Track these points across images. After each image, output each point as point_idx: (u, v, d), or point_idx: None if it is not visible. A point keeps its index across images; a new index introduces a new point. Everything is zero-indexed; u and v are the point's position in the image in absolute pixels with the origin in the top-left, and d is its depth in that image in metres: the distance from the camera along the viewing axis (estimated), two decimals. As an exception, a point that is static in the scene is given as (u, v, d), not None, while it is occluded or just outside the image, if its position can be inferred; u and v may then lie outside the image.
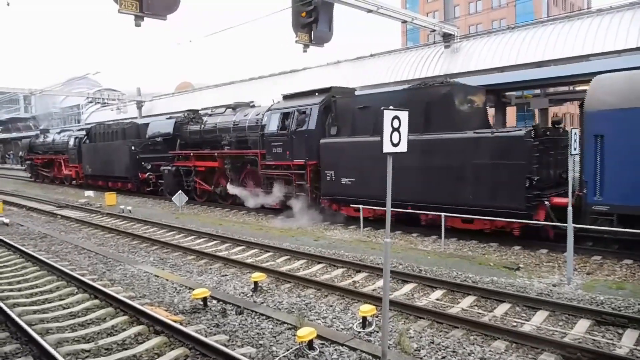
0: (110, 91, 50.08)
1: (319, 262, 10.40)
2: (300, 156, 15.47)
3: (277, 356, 5.84)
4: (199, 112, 22.97)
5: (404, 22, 18.20)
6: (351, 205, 14.28)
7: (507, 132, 11.54)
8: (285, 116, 16.02)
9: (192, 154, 20.94)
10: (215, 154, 19.48)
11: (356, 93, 16.22)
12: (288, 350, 5.97)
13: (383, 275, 5.27)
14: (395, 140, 5.04)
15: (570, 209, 8.52)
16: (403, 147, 5.16)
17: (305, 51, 14.12)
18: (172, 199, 18.70)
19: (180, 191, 18.75)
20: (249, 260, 10.76)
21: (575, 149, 8.36)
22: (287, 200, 16.21)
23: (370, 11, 15.96)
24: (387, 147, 5.01)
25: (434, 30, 20.31)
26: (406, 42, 53.77)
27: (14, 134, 65.51)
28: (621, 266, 9.55)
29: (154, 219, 16.48)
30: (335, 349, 5.99)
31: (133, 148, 24.60)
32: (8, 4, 19.44)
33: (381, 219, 12.99)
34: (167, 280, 9.42)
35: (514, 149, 10.79)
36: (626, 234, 9.60)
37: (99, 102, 45.48)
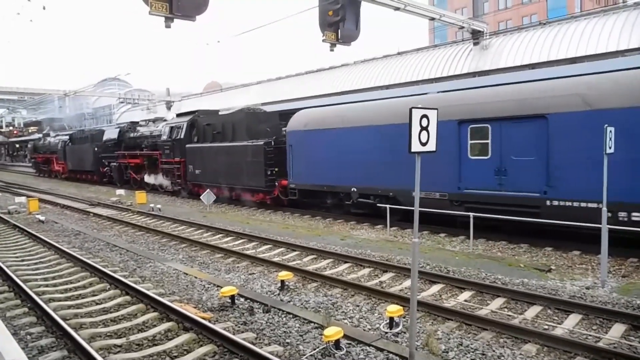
0: (140, 91, 51.13)
1: (346, 262, 10.39)
2: (177, 156, 23.20)
3: (304, 355, 5.85)
4: (137, 123, 31.00)
5: (432, 19, 17.91)
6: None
7: (257, 142, 18.35)
8: (171, 129, 23.94)
9: (126, 154, 28.72)
10: (138, 154, 27.45)
11: (221, 113, 23.63)
12: (315, 349, 5.98)
13: (411, 276, 5.22)
14: (424, 139, 4.89)
15: (604, 209, 8.27)
16: (432, 146, 5.00)
17: (332, 50, 14.06)
18: (201, 197, 19.03)
19: (208, 190, 19.11)
20: (275, 259, 10.83)
21: (610, 147, 8.10)
22: (175, 185, 24.07)
23: (397, 9, 15.78)
24: (416, 147, 4.86)
25: (463, 27, 19.98)
26: (434, 39, 53.06)
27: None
28: (659, 269, 9.21)
29: (183, 217, 16.76)
30: (362, 349, 5.96)
31: (96, 149, 32.66)
32: (44, 8, 20.08)
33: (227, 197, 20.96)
34: (196, 277, 9.56)
35: (258, 152, 18.06)
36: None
37: (129, 103, 46.48)
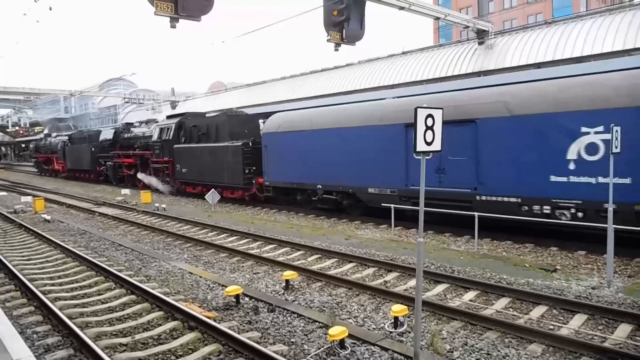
0: (145, 91, 51.29)
1: (350, 261, 10.38)
2: (166, 155, 24.68)
3: (309, 354, 5.86)
4: (131, 124, 32.25)
5: (437, 18, 17.86)
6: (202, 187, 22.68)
7: (236, 143, 19.71)
8: (161, 130, 25.43)
9: (120, 154, 30.31)
10: (131, 154, 28.93)
11: (207, 115, 24.81)
12: (319, 348, 5.98)
13: (416, 275, 5.22)
14: (429, 139, 4.89)
15: (610, 209, 8.24)
16: (437, 146, 5.00)
17: (337, 50, 14.04)
18: (205, 197, 19.08)
19: (213, 189, 19.16)
20: (280, 259, 10.84)
21: (616, 147, 8.06)
22: (164, 183, 25.63)
23: (402, 8, 15.74)
24: (421, 146, 4.86)
25: (468, 27, 19.92)
26: (438, 39, 52.89)
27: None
28: (665, 269, 9.16)
29: (188, 217, 16.80)
30: (367, 349, 5.96)
31: (93, 149, 34.23)
32: (50, 9, 20.18)
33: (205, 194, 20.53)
34: (201, 277, 9.58)
35: (237, 153, 19.44)
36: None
37: (134, 103, 46.62)
